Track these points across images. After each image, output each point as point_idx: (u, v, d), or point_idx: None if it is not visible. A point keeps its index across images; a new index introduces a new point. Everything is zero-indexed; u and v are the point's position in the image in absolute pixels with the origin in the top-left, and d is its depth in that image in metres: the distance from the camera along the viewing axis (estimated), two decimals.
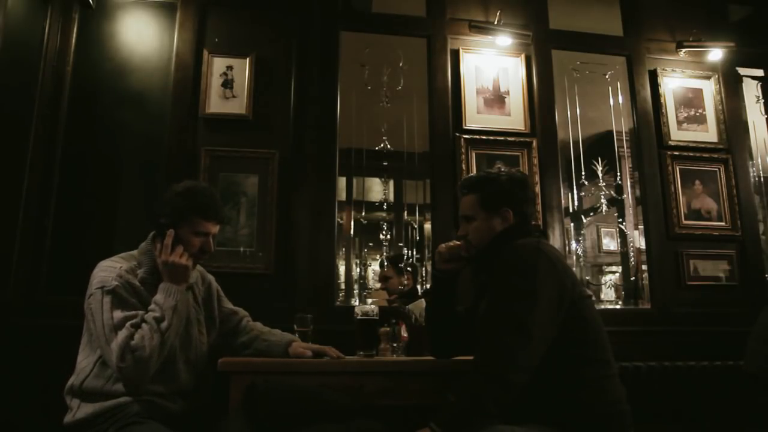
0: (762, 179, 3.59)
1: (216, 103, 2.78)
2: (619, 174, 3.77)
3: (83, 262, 1.74)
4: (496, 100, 3.06)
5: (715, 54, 3.28)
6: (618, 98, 3.45)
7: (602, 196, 3.81)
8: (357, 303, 3.59)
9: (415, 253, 4.14)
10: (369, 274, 4.58)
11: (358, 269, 4.33)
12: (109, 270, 1.65)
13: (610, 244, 4.77)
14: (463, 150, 2.94)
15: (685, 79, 3.29)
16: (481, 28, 3.08)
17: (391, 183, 4.11)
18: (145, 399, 1.60)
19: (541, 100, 3.09)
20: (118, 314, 1.57)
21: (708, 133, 3.23)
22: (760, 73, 3.49)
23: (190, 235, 1.71)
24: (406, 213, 4.25)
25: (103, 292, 1.59)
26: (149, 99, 2.79)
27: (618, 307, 3.47)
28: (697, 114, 3.25)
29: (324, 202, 2.79)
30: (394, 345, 2.11)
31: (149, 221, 1.81)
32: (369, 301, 3.69)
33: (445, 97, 3.01)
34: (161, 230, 1.71)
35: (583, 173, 3.60)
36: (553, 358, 1.45)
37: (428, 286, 3.32)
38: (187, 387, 1.72)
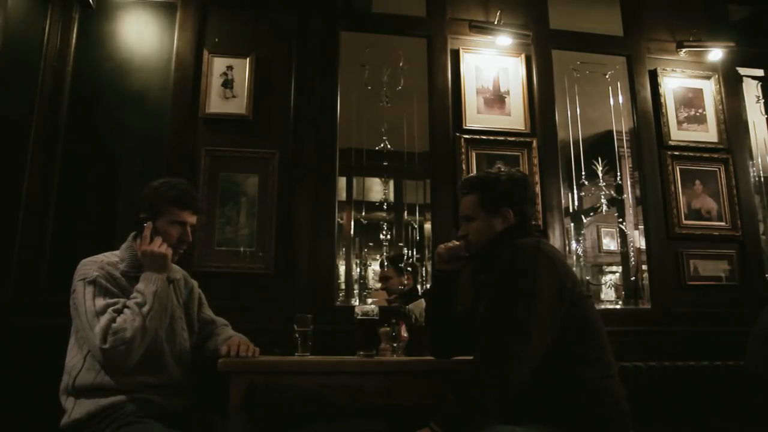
0: (762, 179, 3.58)
1: (216, 103, 2.78)
2: (619, 174, 3.77)
3: None
4: (496, 100, 3.06)
5: (715, 54, 3.28)
6: (618, 98, 3.45)
7: (602, 196, 3.80)
8: (357, 303, 3.59)
9: (415, 253, 4.13)
10: (369, 274, 4.58)
11: (358, 269, 4.33)
12: (90, 264, 1.70)
13: (610, 244, 4.76)
14: (463, 150, 2.93)
15: (685, 79, 3.29)
16: (481, 28, 3.08)
17: (391, 183, 4.11)
18: (140, 397, 1.61)
19: (541, 100, 3.09)
20: (100, 301, 1.61)
21: (708, 133, 3.23)
22: (760, 73, 3.49)
23: (167, 226, 1.76)
24: (406, 213, 4.25)
25: (84, 283, 1.64)
26: (149, 99, 2.79)
27: (618, 307, 3.47)
28: (697, 114, 3.25)
29: (324, 202, 2.79)
30: (394, 345, 2.11)
31: None
32: (369, 301, 3.70)
33: (445, 97, 3.01)
34: (140, 226, 1.76)
35: (583, 173, 3.60)
36: (553, 358, 1.45)
37: (428, 286, 3.33)
38: (177, 381, 1.74)
